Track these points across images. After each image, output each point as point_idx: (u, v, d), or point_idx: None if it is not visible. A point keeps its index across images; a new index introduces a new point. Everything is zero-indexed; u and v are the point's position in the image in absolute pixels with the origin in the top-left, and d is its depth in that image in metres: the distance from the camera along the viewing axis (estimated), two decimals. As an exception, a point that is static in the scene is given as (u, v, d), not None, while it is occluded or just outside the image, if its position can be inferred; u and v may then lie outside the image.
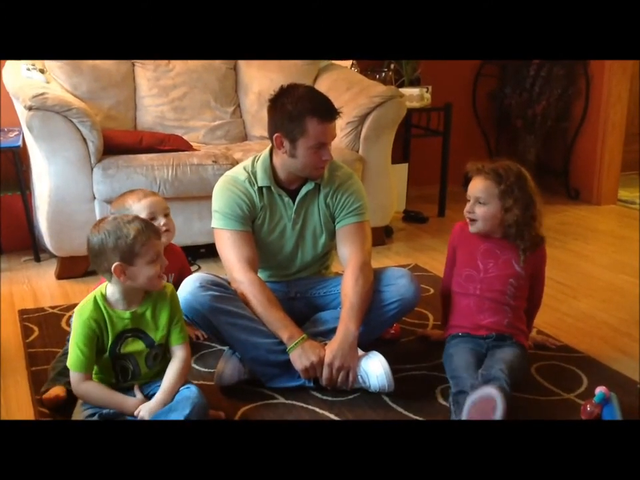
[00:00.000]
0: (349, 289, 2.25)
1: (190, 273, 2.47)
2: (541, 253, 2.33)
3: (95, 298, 1.92)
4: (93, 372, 1.95)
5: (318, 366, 2.17)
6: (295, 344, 2.17)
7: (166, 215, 2.44)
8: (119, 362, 1.95)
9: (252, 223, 2.34)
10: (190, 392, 1.92)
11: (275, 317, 2.21)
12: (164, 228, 2.40)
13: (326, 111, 2.21)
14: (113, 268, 1.85)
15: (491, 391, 1.90)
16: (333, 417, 2.10)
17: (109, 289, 1.93)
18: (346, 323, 2.20)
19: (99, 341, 1.91)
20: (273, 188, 2.33)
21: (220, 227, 2.33)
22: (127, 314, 1.92)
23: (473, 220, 2.28)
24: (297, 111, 2.20)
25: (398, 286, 2.29)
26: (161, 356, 2.01)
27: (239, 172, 2.37)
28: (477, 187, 2.26)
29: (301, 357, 2.16)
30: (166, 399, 1.91)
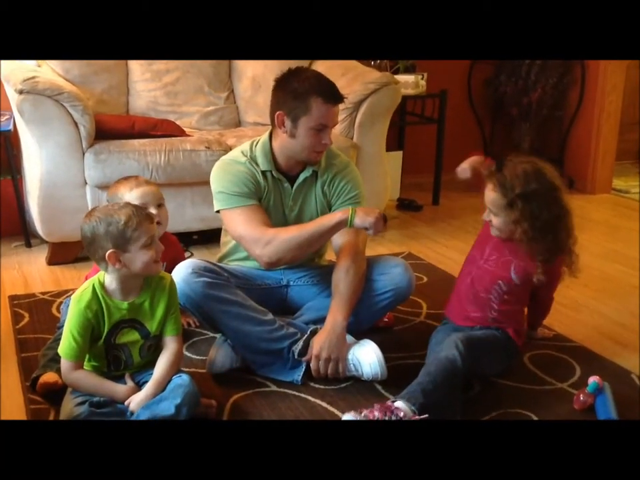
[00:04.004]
0: (339, 279, 2.23)
1: (184, 261, 2.44)
2: (552, 270, 2.20)
3: (93, 286, 1.89)
4: (85, 360, 1.93)
5: (379, 219, 2.12)
6: (351, 215, 2.13)
7: (159, 206, 2.39)
8: (112, 351, 1.93)
9: (259, 201, 2.29)
10: (181, 380, 1.90)
11: (319, 224, 2.20)
12: (155, 219, 2.36)
13: (331, 92, 2.19)
14: (107, 255, 1.83)
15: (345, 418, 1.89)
16: (325, 405, 2.09)
17: (107, 277, 1.90)
18: (334, 313, 2.19)
19: (94, 330, 1.89)
20: (273, 173, 2.31)
21: (228, 206, 2.27)
22: (125, 304, 1.90)
23: (492, 226, 2.18)
24: (303, 89, 2.18)
25: (392, 275, 2.28)
26: (155, 347, 1.99)
27: (237, 155, 2.34)
28: (487, 197, 2.16)
29: (363, 219, 2.12)
30: (156, 390, 1.89)
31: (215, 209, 2.33)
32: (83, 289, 1.90)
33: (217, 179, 2.32)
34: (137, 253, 1.86)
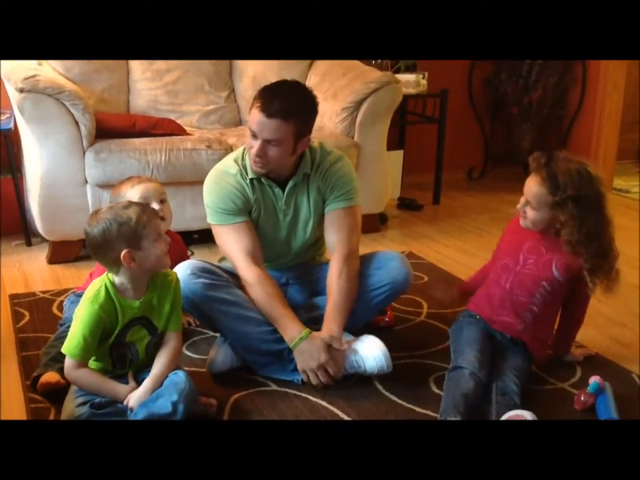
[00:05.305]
0: (332, 284, 2.22)
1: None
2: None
3: (105, 287, 1.88)
4: (90, 359, 1.93)
5: (320, 369, 2.13)
6: (295, 344, 2.14)
7: (161, 202, 2.39)
8: (116, 350, 1.93)
9: (249, 214, 2.29)
10: (177, 377, 1.90)
11: (276, 316, 2.17)
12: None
13: (266, 102, 2.12)
14: (122, 256, 1.82)
15: (523, 412, 1.87)
16: (325, 404, 2.09)
17: (117, 278, 1.90)
18: (329, 324, 2.18)
19: (104, 331, 1.88)
20: (263, 179, 2.28)
21: (216, 223, 2.29)
22: (137, 303, 1.90)
23: (523, 217, 2.15)
24: (256, 93, 2.18)
25: (389, 268, 2.27)
26: (159, 343, 1.99)
27: (229, 165, 2.31)
28: (530, 189, 2.09)
29: (300, 359, 2.14)
30: (154, 386, 1.89)
31: (207, 220, 2.33)
32: (96, 289, 1.88)
33: (207, 191, 2.31)
34: (150, 248, 1.87)
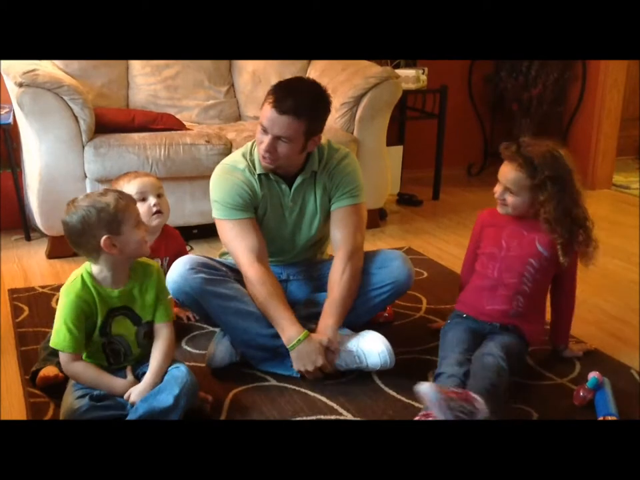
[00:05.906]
0: (335, 280, 2.23)
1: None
2: (572, 256, 2.19)
3: (82, 277, 1.89)
4: (84, 356, 1.93)
5: (316, 371, 2.14)
6: (292, 345, 2.14)
7: (159, 196, 2.40)
8: (109, 345, 1.93)
9: (255, 211, 2.29)
10: (179, 371, 1.91)
11: (275, 316, 2.17)
12: (155, 209, 2.37)
13: (279, 99, 2.12)
14: (102, 242, 1.82)
15: (422, 389, 1.80)
16: (324, 399, 2.09)
17: (95, 268, 1.90)
18: (326, 318, 2.18)
19: (88, 321, 1.89)
20: (271, 175, 2.28)
21: (221, 217, 2.27)
22: (116, 292, 1.90)
23: (503, 204, 2.19)
24: (271, 87, 2.18)
25: (391, 268, 2.27)
26: (150, 334, 1.99)
27: (237, 160, 2.31)
28: (507, 175, 2.15)
29: (297, 361, 2.15)
30: (155, 380, 1.89)
31: (212, 215, 2.32)
32: (72, 280, 1.89)
33: (214, 186, 2.30)
34: (130, 233, 1.86)
